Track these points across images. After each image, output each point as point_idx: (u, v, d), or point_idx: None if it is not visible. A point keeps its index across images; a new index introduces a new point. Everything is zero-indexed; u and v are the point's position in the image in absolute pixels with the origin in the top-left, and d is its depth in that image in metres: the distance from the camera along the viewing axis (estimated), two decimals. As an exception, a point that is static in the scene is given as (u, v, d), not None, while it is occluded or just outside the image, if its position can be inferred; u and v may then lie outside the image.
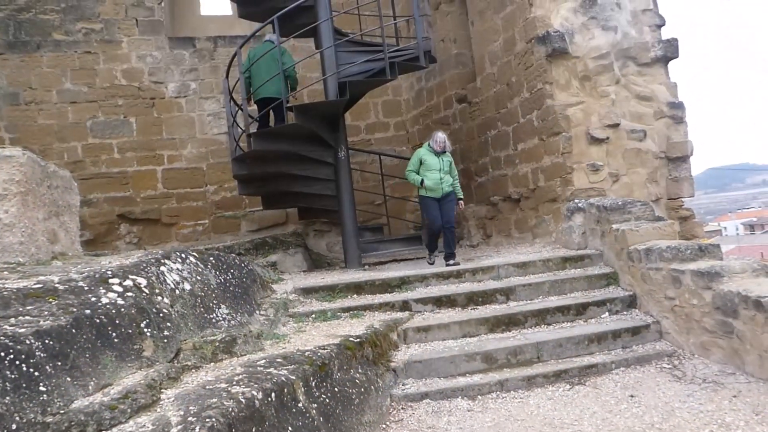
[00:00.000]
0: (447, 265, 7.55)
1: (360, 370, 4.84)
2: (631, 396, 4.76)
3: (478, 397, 4.99)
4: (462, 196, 8.03)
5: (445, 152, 7.85)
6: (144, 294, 4.55)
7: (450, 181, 7.86)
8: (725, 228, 65.98)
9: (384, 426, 4.57)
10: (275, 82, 8.40)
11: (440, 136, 7.88)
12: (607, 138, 8.27)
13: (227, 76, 9.03)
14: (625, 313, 6.21)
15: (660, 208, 8.39)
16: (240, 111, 8.94)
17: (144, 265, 4.97)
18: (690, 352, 5.49)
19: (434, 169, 7.74)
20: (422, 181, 7.73)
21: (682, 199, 8.78)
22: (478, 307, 6.31)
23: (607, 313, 6.17)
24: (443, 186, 7.78)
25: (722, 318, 5.10)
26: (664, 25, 8.80)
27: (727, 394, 4.57)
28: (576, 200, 7.83)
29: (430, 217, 7.88)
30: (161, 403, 3.53)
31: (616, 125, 8.31)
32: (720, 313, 5.12)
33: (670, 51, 8.72)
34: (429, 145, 7.89)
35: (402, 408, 4.85)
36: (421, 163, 7.80)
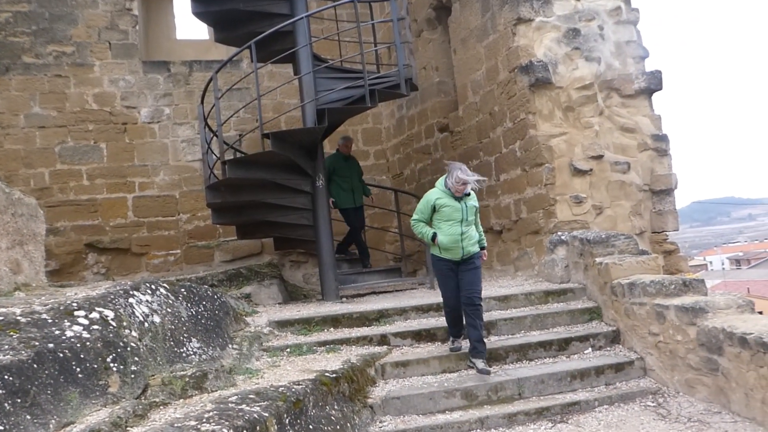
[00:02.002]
0: (477, 369, 5.66)
1: (336, 407, 4.81)
2: (615, 435, 4.77)
3: (458, 435, 4.96)
4: (485, 244, 6.21)
5: (468, 195, 5.90)
6: (111, 327, 4.51)
7: (475, 237, 5.93)
8: (711, 262, 66.73)
9: (360, 466, 4.54)
10: (360, 192, 9.71)
11: (461, 172, 5.74)
12: (591, 170, 8.39)
13: (202, 102, 9.04)
14: (608, 348, 6.24)
15: (644, 242, 8.49)
16: (215, 137, 8.95)
17: (111, 296, 4.94)
18: (675, 390, 5.52)
19: (453, 220, 5.77)
20: (434, 235, 5.82)
21: (667, 233, 8.89)
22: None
23: (590, 349, 6.20)
24: (465, 245, 5.80)
25: (707, 355, 5.15)
26: (647, 56, 8.99)
27: (712, 433, 4.60)
28: (559, 233, 7.91)
29: (444, 289, 5.96)
30: (127, 441, 3.48)
31: (599, 157, 8.43)
32: (705, 349, 5.17)
33: (653, 83, 8.91)
34: (444, 184, 5.87)
35: (379, 447, 4.81)
36: (434, 210, 5.87)
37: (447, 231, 5.78)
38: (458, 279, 5.85)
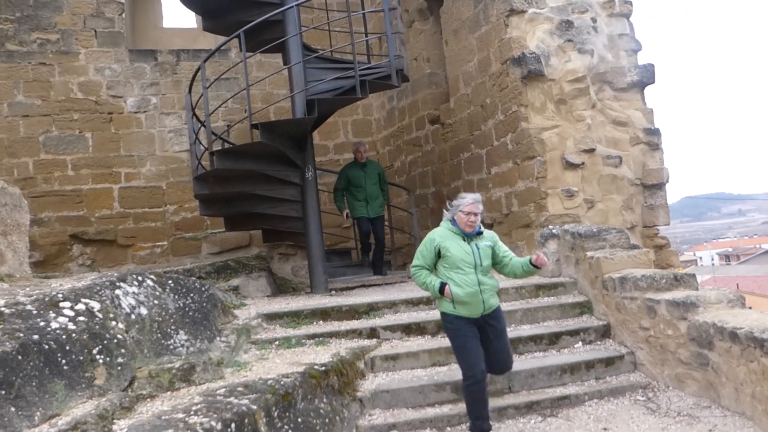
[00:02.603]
0: None
1: (325, 400, 4.81)
2: (605, 429, 4.81)
3: (447, 428, 5.00)
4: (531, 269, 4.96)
5: (481, 234, 4.94)
6: (97, 319, 4.49)
7: (495, 286, 4.90)
8: (700, 258, 67.25)
9: (349, 460, 4.55)
10: (380, 202, 9.13)
11: (468, 201, 4.86)
12: (583, 163, 8.42)
13: (190, 91, 8.99)
14: (599, 343, 6.28)
15: (635, 236, 8.54)
16: (203, 128, 8.91)
17: (98, 288, 4.92)
18: (665, 384, 5.56)
19: (466, 267, 4.76)
20: (443, 287, 4.75)
21: (658, 227, 8.95)
22: (449, 335, 6.32)
23: (580, 343, 6.24)
24: (486, 297, 4.78)
25: (697, 349, 5.19)
26: (640, 50, 9.03)
27: (702, 428, 4.64)
28: (550, 226, 7.93)
29: (465, 356, 4.71)
30: (113, 434, 3.47)
31: (591, 150, 8.46)
32: (695, 344, 5.21)
33: (646, 76, 8.94)
34: (451, 221, 4.93)
35: (368, 441, 4.82)
36: (439, 256, 4.85)
37: (460, 281, 4.73)
38: (482, 343, 4.77)
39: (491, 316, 4.86)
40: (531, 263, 4.81)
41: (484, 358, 4.72)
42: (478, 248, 4.84)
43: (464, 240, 4.83)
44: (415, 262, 4.93)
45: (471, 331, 4.74)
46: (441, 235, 4.88)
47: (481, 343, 4.74)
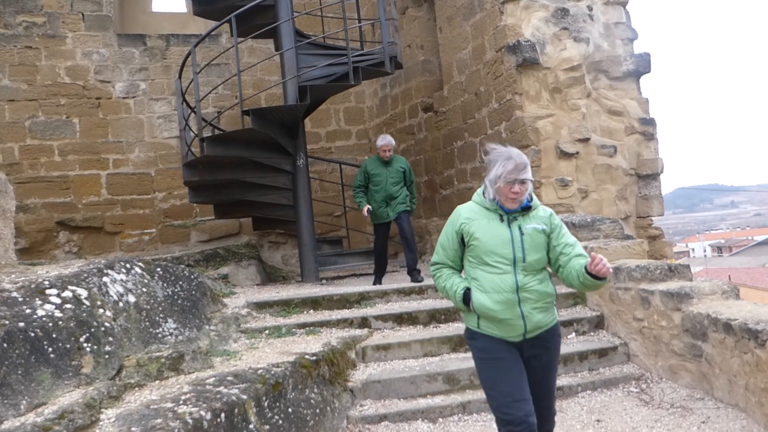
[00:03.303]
0: None
1: (315, 390, 4.80)
2: (598, 421, 4.81)
3: (440, 419, 4.98)
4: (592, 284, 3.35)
5: (529, 209, 3.39)
6: (84, 306, 4.45)
7: (548, 295, 3.37)
8: (693, 249, 67.62)
9: (340, 450, 4.55)
10: (402, 198, 7.90)
11: (512, 161, 3.28)
12: (577, 153, 8.41)
13: (180, 77, 8.93)
14: (592, 334, 6.29)
15: (629, 227, 8.55)
16: (193, 114, 8.86)
17: (85, 275, 4.88)
18: (658, 376, 5.58)
19: (499, 262, 3.31)
20: (467, 295, 3.36)
21: (652, 218, 8.96)
22: (441, 325, 6.32)
23: (573, 334, 6.24)
24: (528, 310, 3.30)
25: (691, 341, 5.21)
26: (636, 39, 9.00)
27: (695, 420, 4.66)
28: (544, 216, 7.92)
29: (498, 401, 3.29)
30: (101, 423, 3.45)
31: (586, 140, 8.45)
32: (689, 335, 5.23)
33: (642, 65, 8.93)
34: (483, 192, 3.45)
35: (359, 430, 4.82)
36: (464, 243, 3.41)
37: (489, 283, 3.26)
38: (522, 372, 3.31)
39: (537, 341, 3.32)
40: (587, 271, 3.19)
41: (528, 403, 3.20)
42: (521, 233, 3.27)
43: (502, 220, 3.28)
44: (434, 257, 3.51)
45: (509, 354, 3.28)
46: (468, 214, 3.37)
47: (519, 376, 3.27)
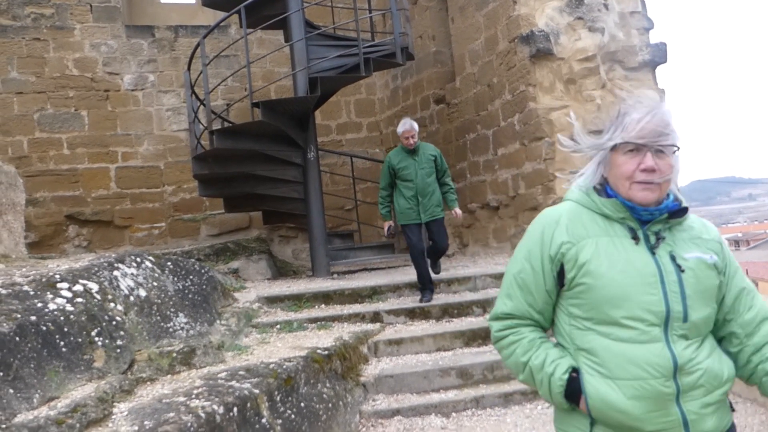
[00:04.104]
0: None
1: (328, 385, 4.83)
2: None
3: (453, 414, 5.00)
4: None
5: (680, 213, 1.85)
6: (95, 300, 4.49)
7: (723, 379, 1.80)
8: (710, 243, 67.16)
9: (352, 445, 4.58)
10: (436, 199, 6.76)
11: (645, 116, 1.84)
12: (592, 144, 8.37)
13: (189, 69, 8.96)
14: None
15: (645, 220, 8.52)
16: (202, 106, 8.89)
17: (95, 269, 4.91)
18: (675, 370, 5.57)
19: (641, 321, 1.74)
20: (575, 383, 1.82)
21: (668, 211, 8.93)
22: (454, 319, 6.34)
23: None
24: (705, 411, 1.75)
25: (709, 334, 5.18)
26: (652, 28, 8.95)
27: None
28: (558, 209, 7.90)
29: None
30: (113, 417, 3.48)
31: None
32: (706, 329, 5.20)
33: (658, 56, 8.87)
34: (597, 188, 1.94)
35: (372, 425, 4.85)
36: (562, 281, 1.85)
37: (620, 360, 1.76)
38: None
39: None
40: None
41: None
42: (677, 266, 1.81)
43: (636, 239, 1.83)
44: (500, 306, 1.96)
45: None
46: (572, 226, 1.88)
47: None
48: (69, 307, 4.24)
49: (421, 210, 6.67)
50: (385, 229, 6.85)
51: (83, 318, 4.24)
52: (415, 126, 6.76)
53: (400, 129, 6.78)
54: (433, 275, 6.91)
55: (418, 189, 6.65)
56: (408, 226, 6.74)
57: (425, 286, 6.72)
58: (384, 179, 6.85)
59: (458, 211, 6.97)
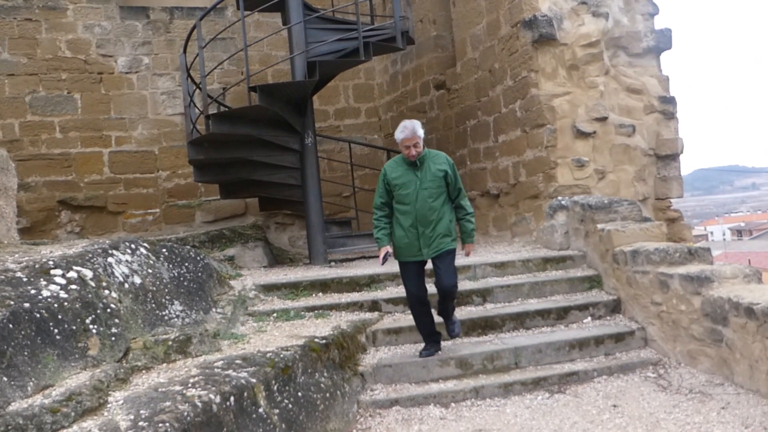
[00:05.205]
0: None
1: (325, 374, 4.84)
2: (614, 406, 4.84)
3: (452, 404, 5.02)
4: None
5: None
6: (90, 287, 4.49)
7: None
8: (712, 233, 67.32)
9: (350, 435, 4.60)
10: (443, 227, 5.22)
11: None
12: (594, 132, 8.37)
13: (185, 51, 8.91)
14: (608, 318, 6.30)
15: (647, 209, 8.53)
16: (198, 90, 8.85)
17: (90, 255, 4.91)
18: (676, 361, 5.60)
19: None
20: None
21: (671, 200, 8.94)
22: (453, 309, 6.34)
23: (589, 318, 6.26)
24: None
25: (711, 325, 5.21)
26: (657, 14, 8.93)
27: (715, 406, 4.67)
28: (559, 197, 7.92)
29: None
30: (109, 406, 3.50)
31: (603, 119, 8.41)
32: (709, 320, 5.23)
33: (663, 42, 8.86)
34: None
35: (370, 415, 4.87)
36: None
37: None
38: None
39: None
40: None
41: None
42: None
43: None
44: None
45: None
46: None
47: None
48: (63, 294, 4.24)
49: (423, 243, 5.20)
50: (381, 256, 5.28)
51: (77, 305, 4.24)
52: (419, 131, 5.27)
53: (398, 135, 5.26)
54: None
55: (418, 216, 5.17)
56: (406, 265, 5.32)
57: (428, 337, 5.47)
58: (380, 195, 5.37)
59: (471, 248, 5.57)
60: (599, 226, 6.87)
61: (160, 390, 3.67)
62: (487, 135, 9.58)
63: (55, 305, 4.10)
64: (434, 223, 5.17)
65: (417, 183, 5.21)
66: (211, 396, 3.57)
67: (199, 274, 6.03)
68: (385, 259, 5.26)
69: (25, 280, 4.26)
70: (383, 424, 4.72)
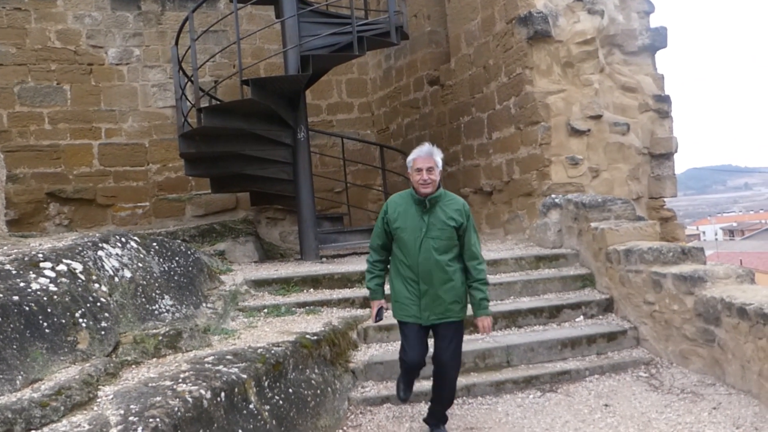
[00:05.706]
0: None
1: (316, 371, 4.85)
2: (606, 405, 4.87)
3: (443, 402, 5.03)
4: None
5: None
6: (79, 281, 4.48)
7: None
8: (704, 233, 67.63)
9: (341, 431, 4.60)
10: (452, 291, 4.23)
11: None
12: (589, 130, 8.40)
13: (177, 43, 8.89)
14: (601, 317, 6.33)
15: (640, 208, 8.57)
16: (189, 83, 8.83)
17: (79, 248, 4.89)
18: (668, 361, 5.63)
19: None
20: None
21: (664, 199, 8.98)
22: (445, 306, 6.35)
23: (582, 317, 6.29)
24: None
25: (704, 325, 5.25)
26: (653, 12, 8.97)
27: (706, 406, 4.71)
28: (552, 195, 7.94)
29: None
30: (98, 401, 3.49)
31: (598, 117, 8.44)
32: (701, 320, 5.27)
33: (658, 40, 8.90)
34: None
35: (361, 412, 4.87)
36: None
37: None
38: None
39: None
40: None
41: None
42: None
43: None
44: None
45: None
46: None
47: None
48: (52, 288, 4.23)
49: (425, 305, 4.25)
50: (373, 312, 4.51)
51: (67, 299, 4.23)
52: (438, 157, 4.26)
53: (411, 156, 4.31)
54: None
55: (421, 270, 4.21)
56: (406, 325, 4.36)
57: (406, 388, 4.59)
58: (377, 235, 4.45)
59: (487, 322, 4.39)
60: (593, 224, 6.90)
61: (150, 385, 3.66)
62: (481, 132, 9.60)
63: (45, 298, 4.09)
64: (441, 283, 4.19)
65: (422, 229, 4.21)
66: (202, 391, 3.57)
67: (190, 268, 6.02)
68: (379, 317, 4.49)
69: (14, 272, 4.25)
70: (374, 422, 4.74)
